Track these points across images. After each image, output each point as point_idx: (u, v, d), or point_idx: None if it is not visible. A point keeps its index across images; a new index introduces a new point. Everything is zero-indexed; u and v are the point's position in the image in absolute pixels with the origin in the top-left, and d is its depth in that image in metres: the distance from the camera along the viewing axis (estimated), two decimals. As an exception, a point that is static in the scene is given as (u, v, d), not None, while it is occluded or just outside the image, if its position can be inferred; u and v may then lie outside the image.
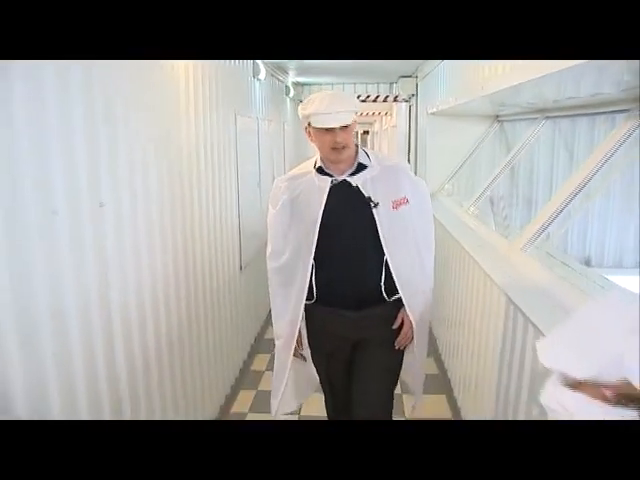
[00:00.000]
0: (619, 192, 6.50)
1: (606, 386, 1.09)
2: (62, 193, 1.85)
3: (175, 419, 2.90)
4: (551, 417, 1.17)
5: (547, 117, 4.16)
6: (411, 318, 2.58)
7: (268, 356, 5.02)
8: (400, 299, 2.55)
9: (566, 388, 1.14)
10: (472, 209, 4.53)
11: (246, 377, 4.68)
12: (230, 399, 4.19)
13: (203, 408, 3.48)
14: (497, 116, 5.42)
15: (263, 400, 3.99)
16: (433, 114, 5.84)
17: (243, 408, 4.19)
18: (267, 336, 5.44)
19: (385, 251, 2.48)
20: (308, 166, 2.60)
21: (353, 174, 2.51)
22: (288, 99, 7.48)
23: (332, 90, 2.73)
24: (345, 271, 2.51)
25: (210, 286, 3.63)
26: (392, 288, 2.53)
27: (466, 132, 5.62)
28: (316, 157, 2.58)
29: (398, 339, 2.62)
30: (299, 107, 2.52)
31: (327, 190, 2.49)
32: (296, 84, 8.00)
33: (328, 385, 2.78)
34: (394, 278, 2.51)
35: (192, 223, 3.24)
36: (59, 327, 1.83)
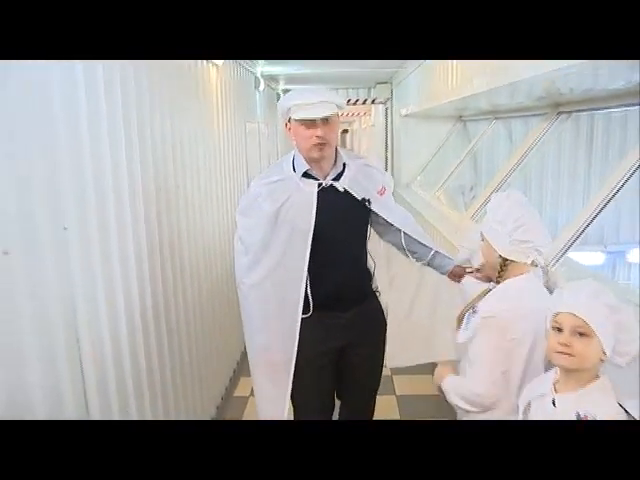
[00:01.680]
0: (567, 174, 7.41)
1: None
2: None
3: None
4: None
5: (497, 118, 5.17)
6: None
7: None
8: (374, 293, 2.62)
9: None
10: (438, 194, 5.50)
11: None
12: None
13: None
14: (460, 116, 6.37)
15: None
16: (406, 116, 6.79)
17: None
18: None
19: (402, 231, 2.54)
20: (284, 170, 2.44)
21: (337, 177, 2.42)
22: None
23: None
24: (341, 275, 2.43)
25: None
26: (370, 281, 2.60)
27: (434, 130, 6.56)
28: (290, 159, 2.45)
29: None
30: (278, 102, 2.44)
31: (316, 196, 2.36)
32: (285, 92, 8.95)
33: (309, 399, 2.56)
34: (408, 255, 2.60)
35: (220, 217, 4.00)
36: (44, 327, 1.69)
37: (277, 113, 8.31)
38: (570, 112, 3.53)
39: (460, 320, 2.04)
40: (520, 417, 1.74)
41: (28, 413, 1.59)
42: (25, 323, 1.58)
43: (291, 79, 7.72)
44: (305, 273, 2.35)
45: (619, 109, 4.01)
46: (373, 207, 2.44)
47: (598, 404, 1.50)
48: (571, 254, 2.73)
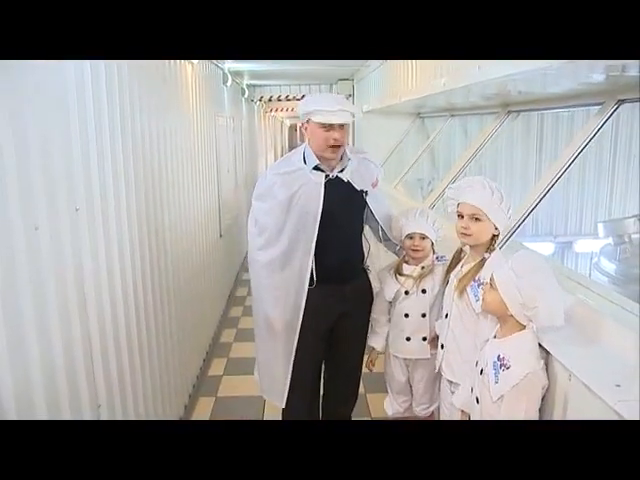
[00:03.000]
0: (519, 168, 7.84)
1: None
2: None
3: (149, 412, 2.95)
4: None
5: (452, 115, 5.51)
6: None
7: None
8: (365, 270, 2.95)
9: None
10: (398, 187, 5.81)
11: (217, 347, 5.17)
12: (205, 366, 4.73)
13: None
14: (419, 113, 6.65)
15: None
16: (367, 112, 7.06)
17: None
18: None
19: (379, 225, 2.86)
20: (295, 162, 2.73)
21: (342, 170, 2.73)
22: (243, 99, 8.65)
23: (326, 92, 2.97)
24: (341, 254, 2.75)
25: (199, 245, 4.57)
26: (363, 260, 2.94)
27: (394, 126, 6.82)
28: (301, 153, 2.74)
29: None
30: (299, 103, 2.73)
31: (323, 186, 2.67)
32: (249, 86, 9.16)
33: (305, 364, 2.82)
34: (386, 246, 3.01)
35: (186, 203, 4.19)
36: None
37: (242, 107, 8.58)
38: (518, 111, 3.88)
39: (461, 293, 2.34)
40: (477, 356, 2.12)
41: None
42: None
43: (255, 75, 7.95)
44: (312, 251, 2.67)
45: (564, 109, 4.38)
46: (368, 199, 2.77)
47: (515, 349, 1.90)
48: (525, 243, 3.08)
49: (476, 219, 2.26)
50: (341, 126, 2.60)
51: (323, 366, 3.03)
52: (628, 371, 1.56)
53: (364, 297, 2.95)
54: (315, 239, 2.64)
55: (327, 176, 2.68)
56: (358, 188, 2.73)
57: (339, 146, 2.63)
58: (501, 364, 1.89)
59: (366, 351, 3.05)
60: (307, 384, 2.91)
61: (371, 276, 2.98)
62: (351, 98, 8.58)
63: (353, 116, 2.66)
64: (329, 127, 2.58)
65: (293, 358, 2.76)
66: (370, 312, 2.97)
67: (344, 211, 2.72)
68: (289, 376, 2.78)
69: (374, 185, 2.81)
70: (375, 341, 2.98)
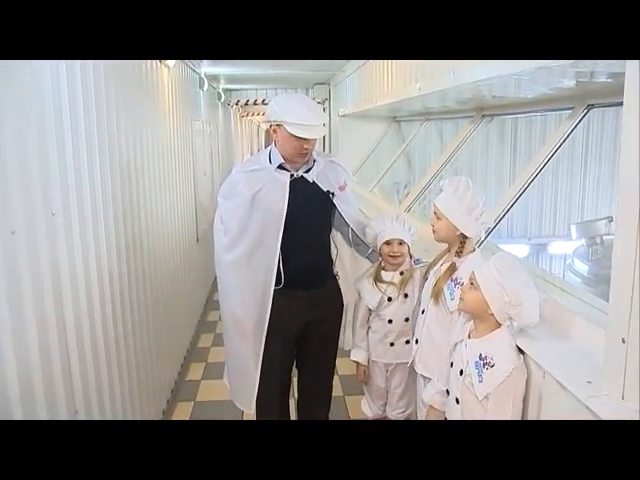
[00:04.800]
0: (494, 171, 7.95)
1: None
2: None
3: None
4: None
5: (428, 119, 5.56)
6: None
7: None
8: (335, 276, 2.92)
9: None
10: (374, 190, 5.84)
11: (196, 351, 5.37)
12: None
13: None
14: (395, 117, 6.70)
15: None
16: (344, 116, 7.10)
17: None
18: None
19: (350, 228, 2.86)
20: (261, 161, 2.71)
21: (307, 170, 2.71)
22: (220, 103, 8.64)
23: (299, 95, 2.93)
24: (308, 256, 2.72)
25: (175, 249, 4.56)
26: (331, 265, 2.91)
27: (370, 130, 6.87)
28: (268, 152, 2.72)
29: None
30: (268, 108, 2.66)
31: (288, 185, 2.64)
32: (225, 90, 9.15)
33: (273, 366, 2.78)
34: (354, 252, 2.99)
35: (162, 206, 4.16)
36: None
37: (218, 112, 8.57)
38: (492, 115, 3.93)
39: (437, 294, 2.40)
40: (449, 356, 2.16)
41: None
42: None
43: (232, 79, 7.95)
44: (278, 251, 2.62)
45: (537, 114, 4.44)
46: (335, 201, 2.73)
47: (496, 347, 1.95)
48: (500, 245, 3.16)
49: (437, 217, 2.40)
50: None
51: (296, 369, 3.01)
52: (598, 368, 1.61)
53: (334, 304, 2.92)
54: (280, 238, 2.61)
55: (292, 175, 2.66)
56: (324, 189, 2.70)
57: (308, 153, 2.63)
58: (484, 363, 1.93)
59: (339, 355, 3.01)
60: (276, 388, 2.87)
61: (340, 282, 2.96)
62: (327, 102, 8.62)
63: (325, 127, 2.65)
64: (303, 139, 2.55)
65: (261, 361, 2.72)
66: (341, 317, 2.96)
67: (310, 211, 2.70)
68: (257, 383, 2.74)
69: (342, 188, 2.78)
70: (358, 355, 2.96)
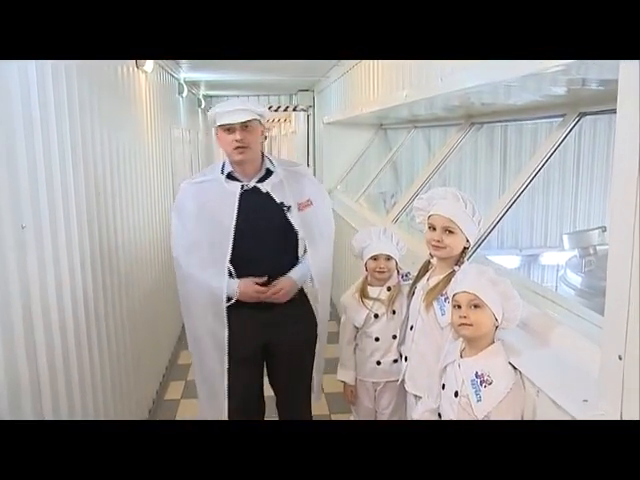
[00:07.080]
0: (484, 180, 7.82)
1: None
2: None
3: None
4: None
5: (415, 127, 5.38)
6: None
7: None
8: (304, 296, 2.75)
9: None
10: (360, 200, 5.66)
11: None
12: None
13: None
14: (381, 124, 6.57)
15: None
16: (329, 123, 6.94)
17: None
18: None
19: (308, 249, 2.63)
20: (214, 171, 2.60)
21: (261, 180, 2.56)
22: (200, 110, 8.44)
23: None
24: (263, 273, 2.52)
25: (153, 263, 4.42)
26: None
27: (356, 138, 6.72)
28: (222, 163, 2.61)
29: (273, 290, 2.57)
30: (208, 113, 2.60)
31: (238, 196, 2.50)
32: (206, 97, 8.95)
33: (237, 388, 2.64)
34: (312, 274, 2.65)
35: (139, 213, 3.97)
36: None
37: (198, 119, 8.37)
38: (481, 123, 3.81)
39: (428, 306, 2.27)
40: (438, 379, 2.06)
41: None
42: None
43: (212, 85, 7.75)
44: (227, 265, 2.48)
45: (528, 121, 4.27)
46: (289, 215, 2.54)
47: (492, 364, 1.85)
48: (490, 257, 3.03)
49: (449, 232, 2.20)
50: (244, 126, 2.44)
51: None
52: (595, 386, 1.53)
53: (299, 325, 2.72)
54: (229, 252, 2.47)
55: (243, 186, 2.53)
56: (278, 201, 2.53)
57: (245, 147, 2.45)
58: (481, 381, 1.84)
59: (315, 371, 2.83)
60: (247, 409, 2.71)
61: (310, 297, 2.80)
62: (311, 109, 8.44)
63: (259, 115, 2.50)
64: (232, 128, 2.43)
65: (227, 383, 2.60)
66: (313, 334, 2.76)
67: (261, 225, 2.53)
68: (226, 402, 2.62)
69: (303, 205, 2.58)
70: (345, 375, 2.82)
